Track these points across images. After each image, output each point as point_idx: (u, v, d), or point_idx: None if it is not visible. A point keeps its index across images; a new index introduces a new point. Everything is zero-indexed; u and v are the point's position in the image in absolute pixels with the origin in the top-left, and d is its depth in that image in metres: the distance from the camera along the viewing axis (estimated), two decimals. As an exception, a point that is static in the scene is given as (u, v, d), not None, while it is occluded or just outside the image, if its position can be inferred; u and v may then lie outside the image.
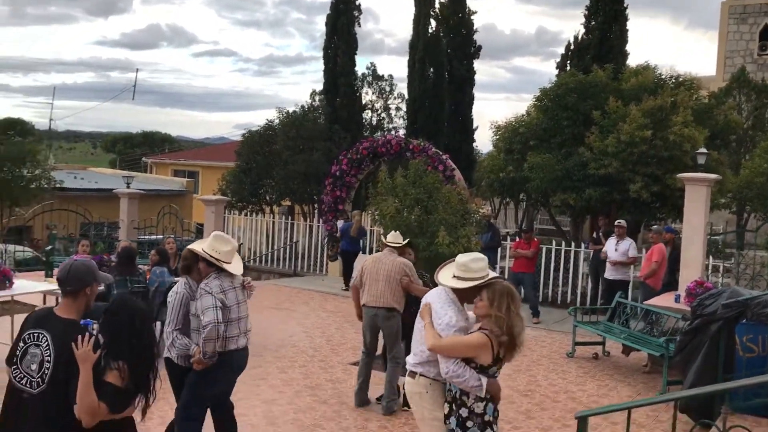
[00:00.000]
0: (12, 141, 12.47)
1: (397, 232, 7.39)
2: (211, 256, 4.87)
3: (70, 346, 3.21)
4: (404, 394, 6.97)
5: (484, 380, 3.93)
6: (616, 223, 11.50)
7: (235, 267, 5.03)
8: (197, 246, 5.05)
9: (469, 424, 3.95)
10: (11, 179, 12.14)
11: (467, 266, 4.12)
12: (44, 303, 9.25)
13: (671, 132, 12.93)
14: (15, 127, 14.48)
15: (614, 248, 11.23)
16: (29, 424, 3.30)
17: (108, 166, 41.86)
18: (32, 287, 8.71)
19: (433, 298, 4.26)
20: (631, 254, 11.23)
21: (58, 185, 13.59)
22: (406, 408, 6.85)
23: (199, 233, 17.76)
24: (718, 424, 3.82)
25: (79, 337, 3.24)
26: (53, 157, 19.04)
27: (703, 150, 12.13)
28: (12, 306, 9.47)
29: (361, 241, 15.40)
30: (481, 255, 4.30)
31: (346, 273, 14.30)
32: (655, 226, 11.90)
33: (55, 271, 10.53)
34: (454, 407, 4.01)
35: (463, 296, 4.18)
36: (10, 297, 9.19)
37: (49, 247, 11.56)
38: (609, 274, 11.30)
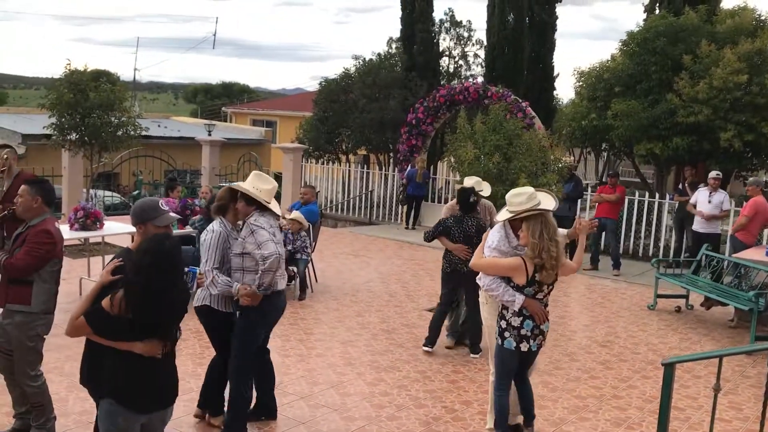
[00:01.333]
0: (102, 88, 12.86)
1: (473, 177, 7.28)
2: (253, 193, 4.73)
3: None
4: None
5: (520, 298, 4.54)
6: (712, 174, 10.80)
7: (275, 207, 4.91)
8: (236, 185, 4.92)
9: (506, 334, 4.64)
10: (100, 125, 12.60)
11: (509, 201, 4.69)
12: (133, 244, 9.65)
13: (769, 77, 12.17)
14: (102, 77, 14.97)
15: (707, 200, 10.55)
16: None
17: (189, 116, 42.91)
18: (121, 228, 9.08)
19: (495, 226, 4.96)
20: (725, 207, 10.57)
21: (143, 132, 14.01)
22: (473, 355, 6.96)
23: (277, 180, 18.08)
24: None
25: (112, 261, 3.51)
26: (138, 105, 19.67)
27: (804, 96, 11.37)
28: (103, 246, 9.95)
29: (427, 186, 15.62)
30: (525, 189, 4.77)
31: (409, 215, 15.44)
32: (751, 178, 11.13)
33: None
34: (498, 319, 4.72)
35: (513, 227, 4.78)
36: (101, 238, 9.65)
37: (136, 192, 11.98)
38: (699, 226, 10.64)
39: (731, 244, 9.99)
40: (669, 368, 3.40)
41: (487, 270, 4.67)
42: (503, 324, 4.66)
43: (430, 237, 7.05)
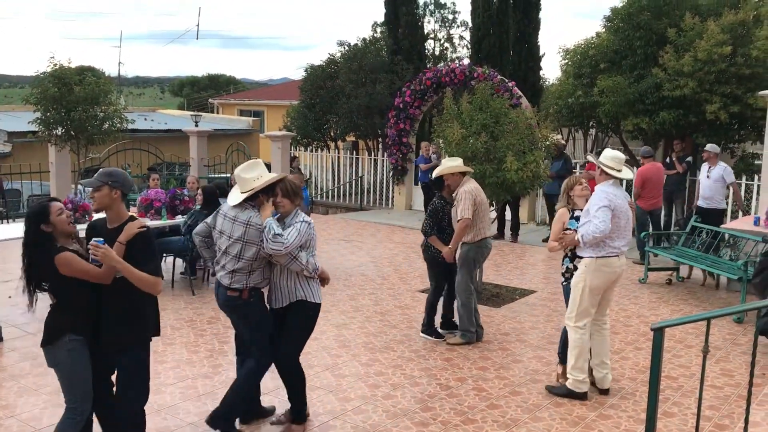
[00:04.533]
0: (87, 81, 12.77)
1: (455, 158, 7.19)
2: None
3: None
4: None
5: None
6: (706, 148, 10.66)
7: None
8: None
9: None
10: (86, 119, 12.52)
11: (619, 161, 5.61)
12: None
13: (754, 47, 12.17)
14: (86, 72, 14.88)
15: (706, 175, 10.36)
16: None
17: (177, 110, 42.62)
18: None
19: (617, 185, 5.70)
20: (728, 180, 10.28)
21: (129, 125, 13.93)
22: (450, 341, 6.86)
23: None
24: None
25: None
26: (124, 99, 19.52)
27: (789, 65, 11.38)
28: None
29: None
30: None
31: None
32: (643, 148, 11.45)
33: (132, 207, 10.91)
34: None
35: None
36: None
37: (125, 185, 11.87)
38: (703, 202, 10.40)
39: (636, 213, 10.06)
40: (659, 333, 3.43)
41: None
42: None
43: None
